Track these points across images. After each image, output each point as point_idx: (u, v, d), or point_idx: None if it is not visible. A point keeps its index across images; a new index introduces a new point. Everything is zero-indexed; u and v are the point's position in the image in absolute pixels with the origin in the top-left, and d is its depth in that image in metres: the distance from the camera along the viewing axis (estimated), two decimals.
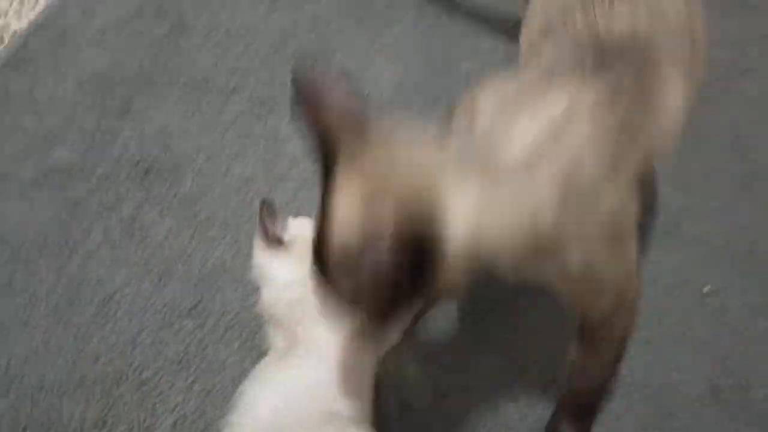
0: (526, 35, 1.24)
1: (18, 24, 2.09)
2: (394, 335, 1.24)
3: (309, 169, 1.26)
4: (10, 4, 2.14)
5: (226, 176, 1.76)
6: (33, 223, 1.67)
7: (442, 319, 1.49)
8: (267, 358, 1.22)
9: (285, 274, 1.25)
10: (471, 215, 0.86)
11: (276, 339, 1.24)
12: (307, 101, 0.89)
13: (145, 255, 1.62)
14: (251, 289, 1.32)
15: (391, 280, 0.80)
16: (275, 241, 1.26)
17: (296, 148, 1.79)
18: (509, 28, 1.58)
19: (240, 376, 1.24)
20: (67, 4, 2.12)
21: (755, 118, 1.82)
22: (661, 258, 1.57)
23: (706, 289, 1.56)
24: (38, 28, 2.07)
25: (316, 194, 0.90)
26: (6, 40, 2.06)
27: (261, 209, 1.27)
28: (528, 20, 1.25)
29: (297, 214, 1.31)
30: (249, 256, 1.32)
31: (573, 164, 0.94)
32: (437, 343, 1.48)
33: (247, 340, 1.49)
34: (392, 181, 0.83)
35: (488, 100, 1.00)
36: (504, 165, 0.90)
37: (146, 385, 1.44)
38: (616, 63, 1.04)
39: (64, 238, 1.64)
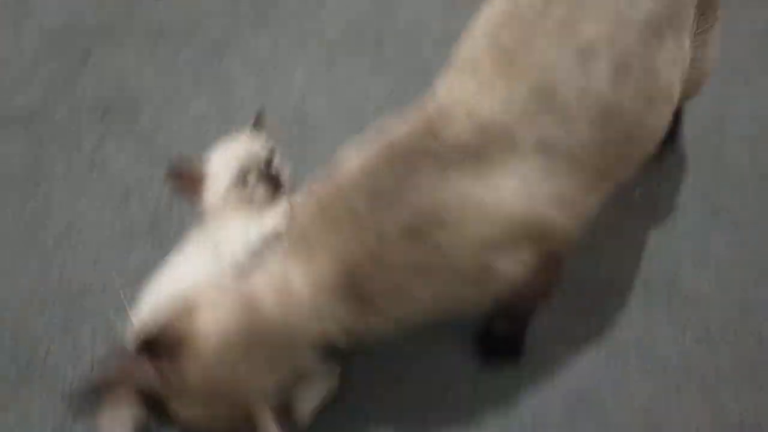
0: None
1: None
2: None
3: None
4: None
5: (182, 114, 1.85)
6: None
7: None
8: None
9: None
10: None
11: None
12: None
13: (104, 185, 1.71)
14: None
15: None
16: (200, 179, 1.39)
17: (246, 89, 1.89)
18: None
19: None
20: None
21: None
22: None
23: (637, 192, 1.67)
24: None
25: None
26: None
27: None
28: None
29: None
30: None
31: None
32: None
33: None
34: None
35: None
36: None
37: (107, 295, 1.52)
38: None
39: (28, 173, 1.72)
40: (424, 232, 1.07)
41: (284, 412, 1.15)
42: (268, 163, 1.41)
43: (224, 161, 1.40)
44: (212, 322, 1.08)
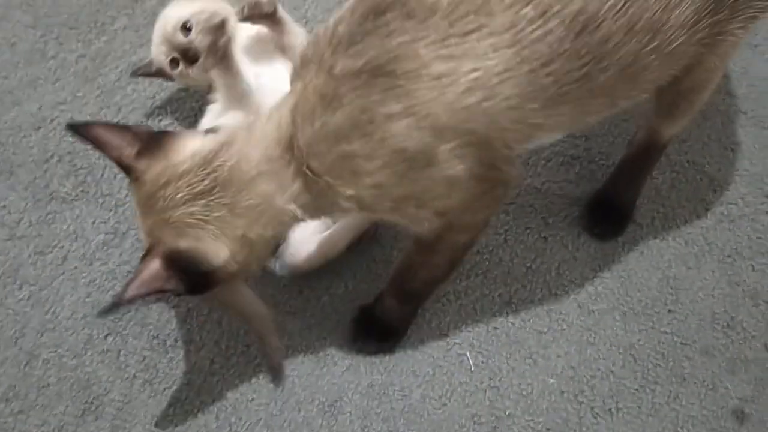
0: None
1: None
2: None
3: None
4: None
5: None
6: (65, 6, 1.83)
7: None
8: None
9: None
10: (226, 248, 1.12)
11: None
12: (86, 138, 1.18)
13: None
14: None
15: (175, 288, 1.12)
16: None
17: None
18: None
19: None
20: None
21: None
22: None
23: None
24: None
25: None
26: None
27: None
28: None
29: None
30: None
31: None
32: None
33: None
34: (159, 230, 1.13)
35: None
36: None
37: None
38: None
39: (93, 20, 1.80)
40: (372, 82, 1.04)
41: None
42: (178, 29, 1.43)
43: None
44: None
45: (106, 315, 1.16)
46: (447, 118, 1.04)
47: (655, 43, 1.11)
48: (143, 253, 1.13)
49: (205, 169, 1.10)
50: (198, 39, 1.42)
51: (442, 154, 1.07)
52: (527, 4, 1.03)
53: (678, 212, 1.60)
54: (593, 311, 1.48)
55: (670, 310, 1.49)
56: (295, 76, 1.13)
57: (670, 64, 1.21)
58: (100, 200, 1.55)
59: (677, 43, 1.14)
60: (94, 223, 1.52)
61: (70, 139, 1.61)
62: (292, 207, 1.13)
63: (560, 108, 1.11)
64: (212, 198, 1.10)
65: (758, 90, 1.77)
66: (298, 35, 1.52)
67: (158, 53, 1.48)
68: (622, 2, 1.05)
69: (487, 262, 1.52)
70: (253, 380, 1.38)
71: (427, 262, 1.31)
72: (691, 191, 1.63)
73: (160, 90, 1.68)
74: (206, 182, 1.10)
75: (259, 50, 1.51)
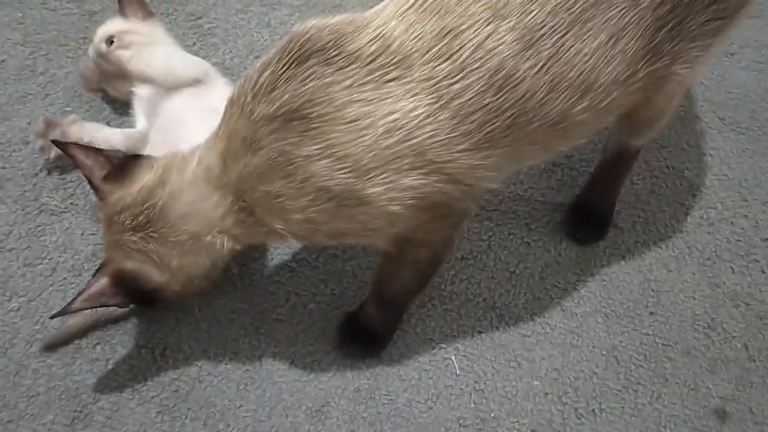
0: None
1: None
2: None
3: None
4: None
5: (227, 1, 1.96)
6: (54, 25, 1.86)
7: None
8: None
9: None
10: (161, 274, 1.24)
11: None
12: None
13: None
14: None
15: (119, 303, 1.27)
16: None
17: None
18: None
19: None
20: None
21: None
22: None
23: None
24: None
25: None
26: None
27: None
28: None
29: None
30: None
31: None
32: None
33: None
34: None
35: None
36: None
37: None
38: None
39: (81, 36, 1.83)
40: (288, 126, 1.07)
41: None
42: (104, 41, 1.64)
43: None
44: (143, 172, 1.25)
45: (56, 317, 1.29)
46: (369, 160, 1.07)
47: (586, 103, 1.14)
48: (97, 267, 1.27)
49: (143, 205, 1.21)
50: (116, 52, 1.63)
51: (374, 193, 1.10)
52: (445, 61, 1.07)
53: (658, 216, 1.64)
54: (576, 314, 1.51)
55: (651, 312, 1.51)
56: (223, 120, 1.18)
57: (607, 116, 1.25)
58: (89, 212, 1.57)
59: (611, 98, 1.17)
60: (82, 234, 1.54)
61: (59, 153, 1.63)
62: (223, 240, 1.21)
63: (492, 152, 1.13)
64: (147, 231, 1.22)
65: (735, 97, 1.81)
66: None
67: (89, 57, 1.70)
68: (542, 62, 1.08)
69: (471, 268, 1.55)
70: (241, 387, 1.39)
71: (396, 274, 1.34)
72: (671, 196, 1.67)
73: None
74: (141, 217, 1.21)
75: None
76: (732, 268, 1.57)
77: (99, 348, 1.41)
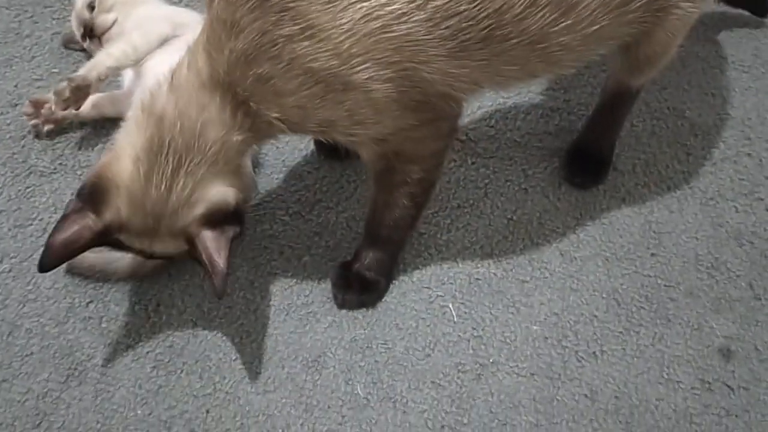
0: None
1: None
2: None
3: None
4: None
5: None
6: None
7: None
8: None
9: None
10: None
11: None
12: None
13: None
14: None
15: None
16: None
17: None
18: None
19: None
20: None
21: None
22: None
23: None
24: None
25: None
26: None
27: None
28: None
29: None
30: None
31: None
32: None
33: None
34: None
35: None
36: None
37: None
38: None
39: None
40: (266, 5, 1.03)
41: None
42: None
43: None
44: (126, 155, 1.17)
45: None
46: (349, 45, 1.04)
47: (568, 23, 1.09)
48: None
49: (163, 154, 1.14)
50: (100, 17, 1.61)
51: (357, 79, 1.07)
52: None
53: (659, 158, 1.60)
54: (575, 258, 1.47)
55: (653, 254, 1.48)
56: (207, 11, 1.13)
57: (598, 44, 1.20)
58: (78, 172, 1.55)
59: (599, 24, 1.12)
60: (72, 194, 1.51)
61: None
62: (243, 136, 1.15)
63: (467, 63, 1.10)
64: (187, 167, 1.15)
65: (737, 35, 1.76)
66: None
67: (74, 28, 1.67)
68: None
69: (467, 216, 1.51)
70: (236, 341, 1.37)
71: (388, 201, 1.31)
72: (671, 137, 1.63)
73: None
74: (173, 162, 1.14)
75: None
76: (735, 207, 1.53)
77: (92, 306, 1.40)
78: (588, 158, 1.56)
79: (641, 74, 1.43)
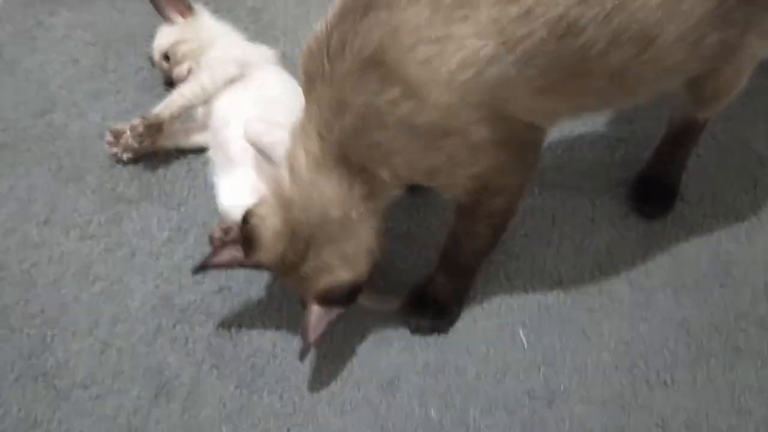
0: None
1: None
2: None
3: None
4: None
5: None
6: (123, 25, 1.95)
7: None
8: None
9: None
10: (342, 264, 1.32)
11: None
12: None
13: None
14: None
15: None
16: None
17: None
18: None
19: None
20: None
21: None
22: None
23: None
24: None
25: None
26: None
27: None
28: None
29: None
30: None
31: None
32: None
33: None
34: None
35: None
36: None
37: None
38: None
39: (149, 34, 1.87)
40: (366, 76, 1.09)
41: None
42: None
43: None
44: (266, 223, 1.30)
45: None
46: (448, 96, 1.09)
47: (647, 56, 1.14)
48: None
49: (296, 234, 1.28)
50: (176, 69, 1.74)
51: (456, 125, 1.13)
52: (511, 3, 1.06)
53: (726, 189, 1.61)
54: (644, 288, 1.50)
55: (722, 285, 1.49)
56: (307, 95, 1.21)
57: (672, 77, 1.24)
58: (164, 200, 1.64)
59: (675, 58, 1.16)
60: (158, 221, 1.61)
61: (130, 156, 1.70)
62: (363, 208, 1.26)
63: (551, 97, 1.16)
64: (315, 248, 1.29)
65: None
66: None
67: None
68: (606, 12, 1.08)
69: (536, 244, 1.55)
70: (314, 362, 1.43)
71: (470, 231, 1.35)
72: (738, 168, 1.64)
73: None
74: (300, 245, 1.29)
75: None
76: None
77: (178, 327, 1.47)
78: (655, 188, 1.58)
79: (708, 108, 1.46)
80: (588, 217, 1.59)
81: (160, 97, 1.78)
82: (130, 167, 1.69)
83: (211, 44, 1.74)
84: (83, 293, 1.53)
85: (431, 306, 1.45)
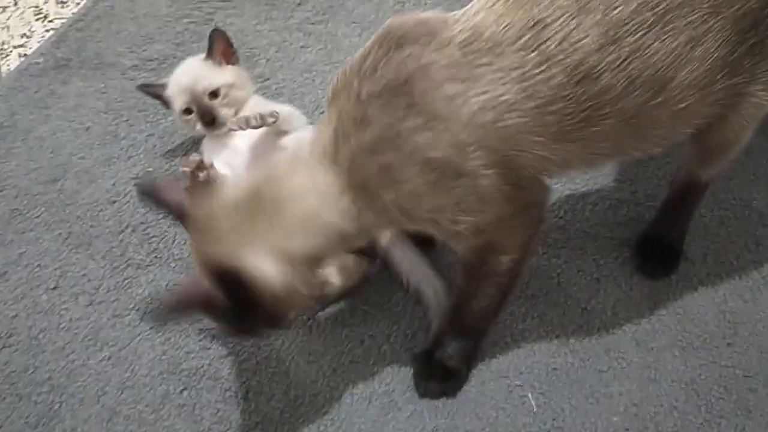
0: None
1: None
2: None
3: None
4: None
5: (292, 63, 2.08)
6: (134, 93, 1.99)
7: None
8: None
9: None
10: (272, 262, 1.20)
11: None
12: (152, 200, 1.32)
13: None
14: None
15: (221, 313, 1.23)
16: None
17: (352, 43, 2.11)
18: None
19: None
20: None
21: None
22: None
23: None
24: None
25: None
26: None
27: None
28: None
29: None
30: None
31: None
32: None
33: None
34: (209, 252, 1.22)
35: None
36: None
37: None
38: None
39: (159, 102, 1.96)
40: (393, 101, 1.14)
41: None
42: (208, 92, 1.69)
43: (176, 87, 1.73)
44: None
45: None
46: (466, 135, 1.13)
47: (660, 100, 1.18)
48: None
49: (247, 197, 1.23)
50: (223, 110, 1.69)
51: (469, 167, 1.16)
52: (533, 51, 1.13)
53: (729, 248, 1.63)
54: (652, 348, 1.50)
55: (729, 344, 1.49)
56: (329, 107, 1.24)
57: (683, 123, 1.27)
58: (172, 265, 1.66)
59: (687, 102, 1.21)
60: (167, 286, 1.62)
61: (143, 210, 1.74)
62: (341, 220, 1.22)
63: (565, 145, 1.20)
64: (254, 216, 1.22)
65: None
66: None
67: (177, 96, 1.73)
68: (623, 58, 1.14)
69: (542, 305, 1.56)
70: (321, 428, 1.43)
71: (477, 291, 1.36)
72: (740, 227, 1.66)
73: None
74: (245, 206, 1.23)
75: None
76: None
77: (186, 393, 1.47)
78: (659, 248, 1.60)
79: (712, 164, 1.49)
80: (593, 277, 1.60)
81: (170, 163, 1.84)
82: (139, 233, 1.71)
83: (250, 98, 1.77)
84: (91, 359, 1.53)
85: (440, 368, 1.45)
